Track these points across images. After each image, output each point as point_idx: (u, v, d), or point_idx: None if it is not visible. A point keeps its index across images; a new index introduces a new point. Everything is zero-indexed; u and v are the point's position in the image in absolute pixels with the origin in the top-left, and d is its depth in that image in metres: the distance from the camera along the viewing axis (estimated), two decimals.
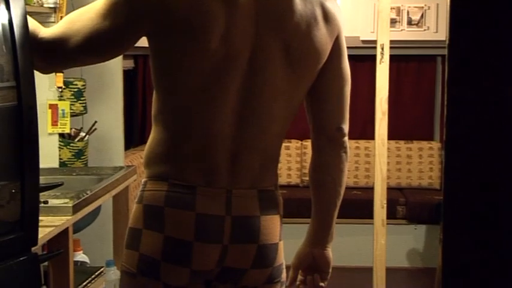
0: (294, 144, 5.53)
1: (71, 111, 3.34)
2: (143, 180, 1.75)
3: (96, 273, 2.99)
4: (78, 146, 3.40)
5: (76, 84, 3.39)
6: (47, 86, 3.22)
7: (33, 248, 1.79)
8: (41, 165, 1.78)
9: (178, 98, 1.69)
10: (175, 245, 1.67)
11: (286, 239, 5.54)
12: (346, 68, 1.81)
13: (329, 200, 1.89)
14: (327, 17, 1.74)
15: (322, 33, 1.72)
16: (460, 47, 1.06)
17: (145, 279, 1.69)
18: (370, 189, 4.04)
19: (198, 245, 1.67)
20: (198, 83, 1.66)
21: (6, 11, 1.63)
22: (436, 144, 5.49)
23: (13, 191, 1.70)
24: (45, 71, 1.85)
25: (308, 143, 5.53)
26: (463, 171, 1.07)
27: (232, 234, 1.71)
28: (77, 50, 1.68)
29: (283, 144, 5.88)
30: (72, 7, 3.40)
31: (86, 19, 1.66)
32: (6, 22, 1.64)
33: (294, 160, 5.51)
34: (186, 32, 1.63)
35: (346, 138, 1.84)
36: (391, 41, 3.62)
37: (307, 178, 5.98)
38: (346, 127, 1.83)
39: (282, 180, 5.48)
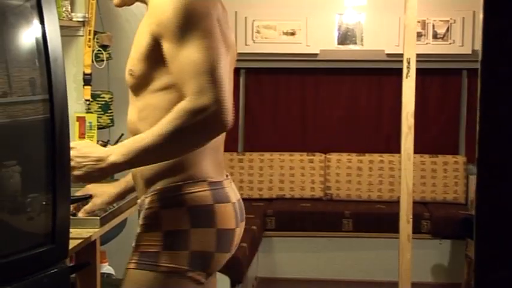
0: (318, 157, 5.51)
1: (98, 123, 3.36)
2: (173, 184, 1.82)
3: None
4: None
5: (103, 97, 3.41)
6: (74, 99, 3.24)
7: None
8: None
9: None
10: (225, 235, 1.85)
11: (309, 252, 5.49)
12: None
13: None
14: None
15: None
16: (493, 62, 1.05)
17: (197, 273, 1.81)
18: (395, 203, 4.02)
19: (237, 230, 1.90)
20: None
21: (40, 25, 1.66)
22: (461, 159, 5.44)
23: (44, 203, 1.71)
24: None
25: (332, 157, 5.52)
26: (496, 187, 1.07)
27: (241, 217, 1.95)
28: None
29: (307, 158, 5.78)
30: (100, 20, 3.43)
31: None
32: (40, 36, 1.66)
33: (317, 173, 5.49)
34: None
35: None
36: (417, 55, 3.61)
37: (330, 191, 5.93)
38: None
39: (306, 193, 5.47)
